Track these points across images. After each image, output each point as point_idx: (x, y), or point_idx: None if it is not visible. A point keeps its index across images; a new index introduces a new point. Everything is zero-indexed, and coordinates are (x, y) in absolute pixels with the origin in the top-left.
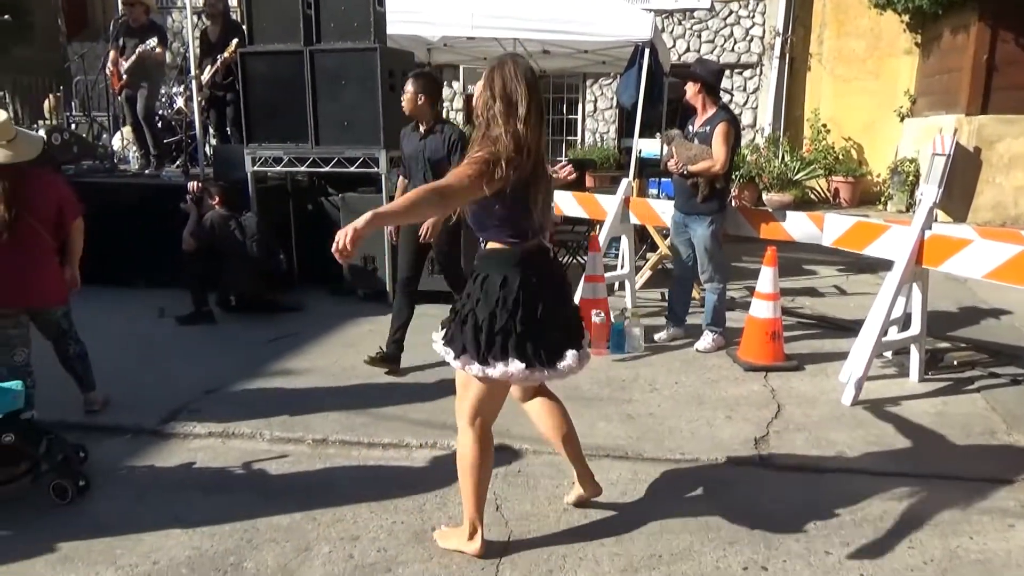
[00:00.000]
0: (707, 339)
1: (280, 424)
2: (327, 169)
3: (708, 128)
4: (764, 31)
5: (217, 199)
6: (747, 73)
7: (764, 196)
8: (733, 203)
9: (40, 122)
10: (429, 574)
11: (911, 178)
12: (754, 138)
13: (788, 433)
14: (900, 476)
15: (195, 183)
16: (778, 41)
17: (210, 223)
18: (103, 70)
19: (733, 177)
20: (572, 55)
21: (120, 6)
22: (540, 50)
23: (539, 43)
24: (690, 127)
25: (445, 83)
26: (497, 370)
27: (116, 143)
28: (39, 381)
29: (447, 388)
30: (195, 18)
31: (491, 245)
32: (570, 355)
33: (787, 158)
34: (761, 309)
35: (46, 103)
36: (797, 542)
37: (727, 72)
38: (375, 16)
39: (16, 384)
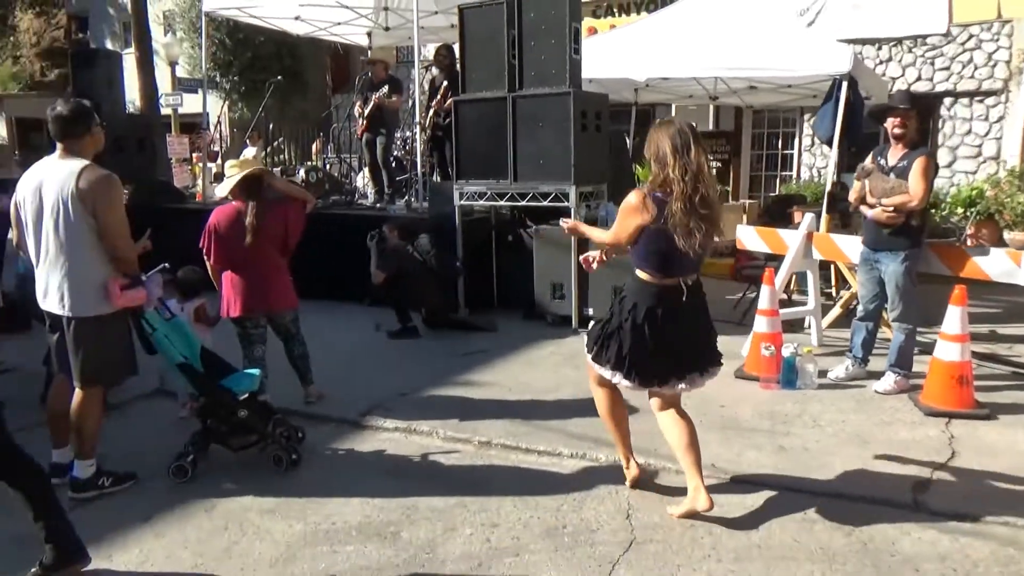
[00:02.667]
0: (888, 380)
1: (454, 426)
2: (523, 203)
3: (906, 163)
4: (1011, 54)
5: (395, 233)
6: (989, 101)
7: (1006, 235)
8: (969, 242)
9: (307, 163)
10: (551, 563)
11: None
12: (997, 171)
13: (956, 481)
14: None
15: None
16: None
17: (391, 253)
18: (349, 118)
19: (969, 214)
20: (777, 90)
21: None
22: (746, 86)
23: (741, 79)
24: (881, 160)
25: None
26: (604, 370)
27: (359, 181)
28: (270, 374)
29: None
30: (423, 71)
31: (637, 273)
32: (672, 381)
33: None
34: (947, 351)
35: (314, 146)
36: None
37: (967, 101)
38: (571, 63)
39: (256, 371)
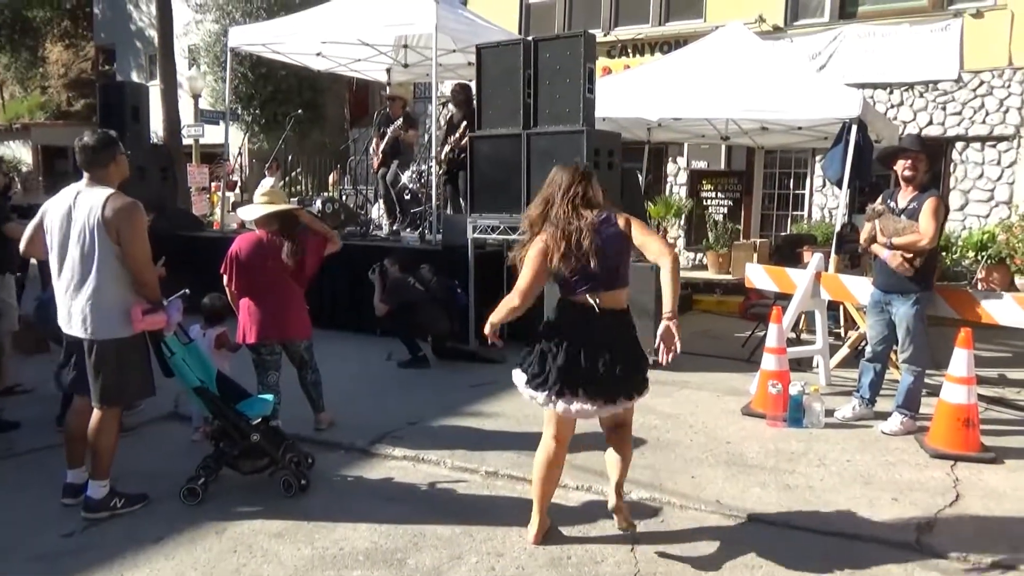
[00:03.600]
0: (895, 421)
1: (462, 455)
2: None
3: (916, 204)
4: (1022, 101)
5: (396, 267)
6: (1001, 146)
7: (1018, 279)
8: (980, 286)
9: (323, 194)
10: None
11: None
12: (1009, 215)
13: (960, 523)
14: None
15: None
16: None
17: (393, 286)
18: (365, 152)
19: (980, 257)
20: (788, 131)
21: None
22: (757, 127)
23: (752, 121)
24: (891, 203)
25: (670, 159)
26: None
27: (375, 212)
28: (283, 400)
29: None
30: (441, 107)
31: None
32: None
33: None
34: (953, 393)
35: (331, 178)
36: None
37: (978, 145)
38: (584, 102)
39: (270, 396)
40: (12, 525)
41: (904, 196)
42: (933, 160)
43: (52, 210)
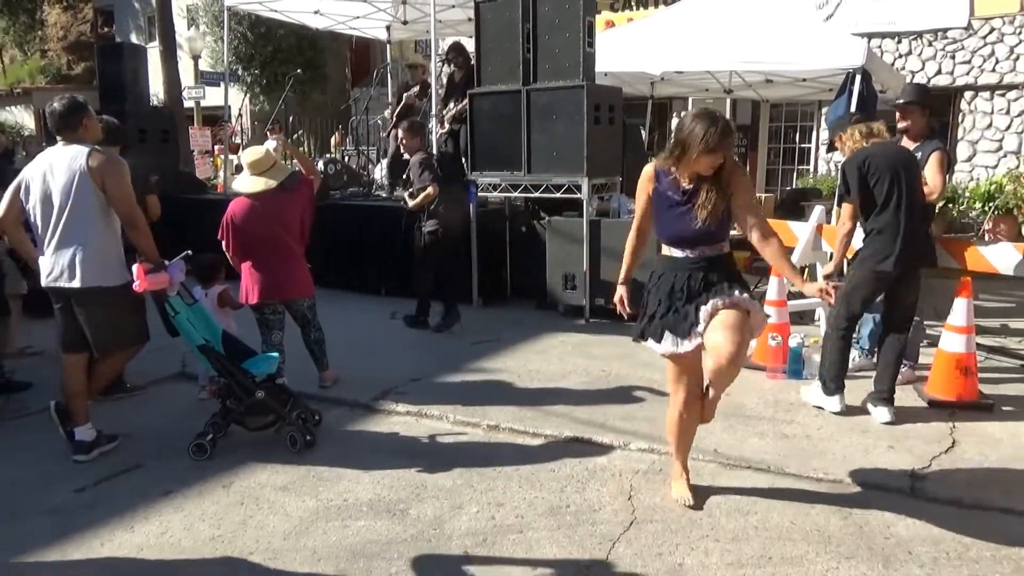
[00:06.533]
0: None
1: (464, 410)
2: (536, 195)
3: (921, 155)
4: None
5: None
6: (1011, 95)
7: None
8: (987, 237)
9: (326, 155)
10: (553, 540)
11: None
12: (1018, 165)
13: (954, 469)
14: None
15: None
16: None
17: (425, 163)
18: (367, 111)
19: (987, 208)
20: (793, 83)
21: (387, 57)
22: (762, 80)
23: (756, 73)
24: None
25: (674, 114)
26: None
27: (377, 173)
28: (288, 358)
29: (611, 395)
30: (440, 64)
31: None
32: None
33: None
34: (951, 342)
35: (332, 139)
36: (921, 567)
37: (987, 95)
38: (584, 57)
39: (275, 355)
40: (27, 482)
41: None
42: (929, 109)
43: (30, 173)
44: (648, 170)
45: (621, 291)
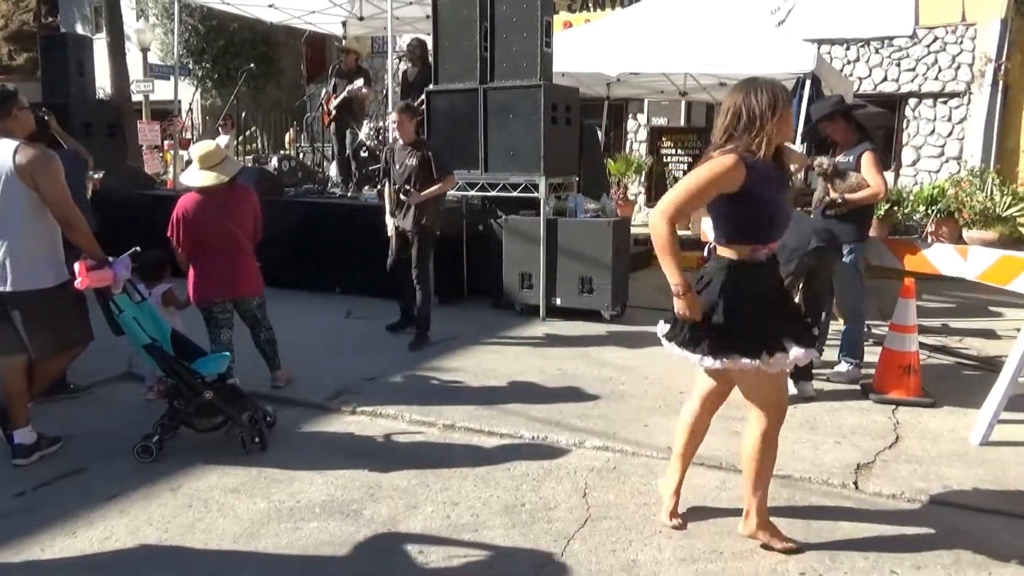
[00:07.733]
0: (840, 369)
1: (419, 410)
2: (493, 193)
3: (851, 158)
4: (974, 58)
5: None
6: (953, 102)
7: (964, 233)
8: (929, 239)
9: (280, 152)
10: (508, 538)
11: None
12: (959, 170)
13: (897, 464)
14: (1007, 516)
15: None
16: (990, 68)
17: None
18: (320, 107)
19: (930, 212)
20: None
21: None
22: (716, 83)
23: (710, 76)
24: (830, 159)
25: (630, 116)
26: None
27: (332, 170)
28: (239, 358)
29: (567, 394)
30: (396, 61)
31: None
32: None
33: (995, 193)
34: (896, 341)
35: (287, 136)
36: (865, 559)
37: (931, 102)
38: (542, 56)
39: (226, 354)
40: None
41: (840, 152)
42: (849, 117)
43: None
44: (728, 159)
45: (694, 297)
